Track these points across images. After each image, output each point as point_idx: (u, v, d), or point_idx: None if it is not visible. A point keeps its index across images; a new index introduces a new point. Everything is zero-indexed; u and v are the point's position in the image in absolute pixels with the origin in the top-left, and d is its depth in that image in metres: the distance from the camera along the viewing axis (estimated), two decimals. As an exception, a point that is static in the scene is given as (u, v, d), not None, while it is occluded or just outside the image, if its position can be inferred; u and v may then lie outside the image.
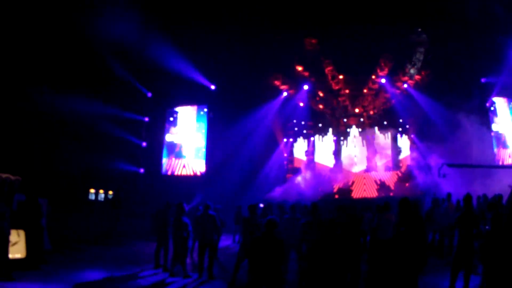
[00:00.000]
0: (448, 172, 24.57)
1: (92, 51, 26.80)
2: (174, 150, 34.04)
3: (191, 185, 31.01)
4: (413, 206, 10.38)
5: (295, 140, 33.93)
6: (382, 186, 32.05)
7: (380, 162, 33.30)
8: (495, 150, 30.95)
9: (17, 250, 13.47)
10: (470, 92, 29.72)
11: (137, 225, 25.64)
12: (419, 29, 30.51)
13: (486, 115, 31.07)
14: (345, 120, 33.61)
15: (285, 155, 33.75)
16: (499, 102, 32.06)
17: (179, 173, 33.53)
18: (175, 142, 34.18)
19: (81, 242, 21.19)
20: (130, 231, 24.85)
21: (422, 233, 9.93)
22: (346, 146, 33.50)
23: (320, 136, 33.81)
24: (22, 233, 13.56)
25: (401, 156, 33.43)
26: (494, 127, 31.50)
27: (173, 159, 33.99)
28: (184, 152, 33.82)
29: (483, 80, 31.12)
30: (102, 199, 30.12)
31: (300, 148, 33.89)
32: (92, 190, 30.29)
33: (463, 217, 11.81)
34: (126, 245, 22.01)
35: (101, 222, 24.38)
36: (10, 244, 12.49)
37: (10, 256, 12.61)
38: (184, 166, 33.55)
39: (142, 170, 33.69)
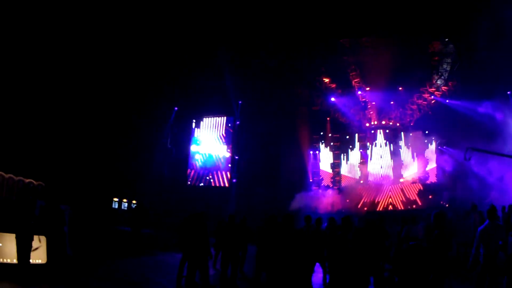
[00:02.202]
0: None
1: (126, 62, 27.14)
2: (200, 161, 34.05)
3: (216, 196, 31.16)
4: (440, 219, 10.25)
5: (320, 152, 33.80)
6: (408, 198, 31.55)
7: (407, 174, 32.91)
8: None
9: (38, 256, 13.39)
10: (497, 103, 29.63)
11: (161, 235, 25.46)
12: (446, 40, 30.24)
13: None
14: (372, 131, 33.37)
15: (311, 167, 33.51)
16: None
17: (205, 184, 33.52)
18: (201, 152, 34.23)
19: (103, 250, 21.14)
20: (153, 241, 24.42)
21: (445, 245, 9.83)
22: (371, 158, 33.30)
23: (346, 149, 33.70)
24: (43, 238, 13.43)
25: (428, 168, 33.07)
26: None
27: (199, 169, 34.06)
28: (209, 163, 33.83)
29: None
30: (126, 208, 30.18)
31: (326, 160, 33.71)
32: (116, 199, 30.34)
33: (487, 230, 11.26)
34: (149, 255, 21.79)
35: (124, 231, 24.33)
36: (32, 249, 12.41)
37: (31, 261, 12.56)
38: (209, 177, 33.54)
39: (167, 180, 33.63)
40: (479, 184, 28.03)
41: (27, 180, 12.68)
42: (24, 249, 11.91)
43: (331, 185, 32.71)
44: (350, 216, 12.38)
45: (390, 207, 31.46)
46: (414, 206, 30.68)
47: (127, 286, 14.10)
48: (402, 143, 33.35)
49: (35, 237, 12.73)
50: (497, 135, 27.00)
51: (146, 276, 15.66)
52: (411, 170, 32.93)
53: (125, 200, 30.51)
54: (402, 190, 32.01)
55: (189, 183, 33.96)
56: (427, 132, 32.97)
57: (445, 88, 32.21)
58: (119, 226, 25.23)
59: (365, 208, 30.80)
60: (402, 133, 33.44)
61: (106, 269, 16.72)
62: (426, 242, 10.35)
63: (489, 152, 24.93)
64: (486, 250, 11.17)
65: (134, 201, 29.84)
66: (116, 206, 30.27)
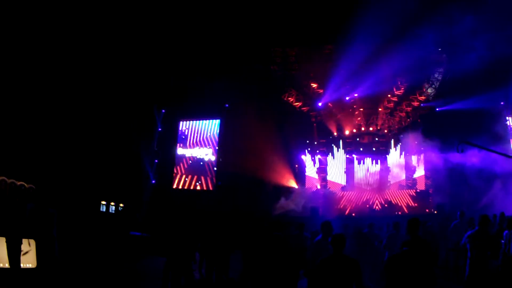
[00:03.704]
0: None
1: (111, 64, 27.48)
2: (186, 164, 34.40)
3: (202, 199, 31.70)
4: (420, 225, 10.55)
5: (306, 157, 34.10)
6: (393, 205, 32.06)
7: (394, 181, 33.52)
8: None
9: (28, 260, 13.47)
10: (490, 113, 30.17)
11: (147, 239, 25.61)
12: (439, 49, 30.93)
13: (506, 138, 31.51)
14: (358, 139, 34.02)
15: (297, 171, 33.85)
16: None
17: (190, 187, 33.81)
18: (187, 155, 34.56)
19: (90, 253, 21.45)
20: (139, 245, 24.77)
21: (428, 252, 10.04)
22: (359, 164, 33.73)
23: (333, 154, 34.01)
24: (32, 242, 13.61)
25: (416, 175, 33.70)
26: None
27: (185, 173, 34.36)
28: (195, 166, 34.12)
29: (502, 103, 31.56)
30: (113, 211, 30.29)
31: (312, 165, 34.10)
32: (104, 202, 30.24)
33: (476, 237, 11.47)
34: (135, 259, 22.16)
35: (111, 234, 24.57)
36: (21, 253, 12.67)
37: (22, 265, 12.79)
38: (195, 180, 33.81)
39: (153, 183, 34.04)
40: (469, 190, 28.58)
41: (19, 183, 13.00)
42: (14, 253, 12.18)
43: (317, 190, 33.11)
44: (330, 221, 12.68)
45: (376, 212, 31.43)
46: (399, 213, 31.18)
47: None
48: (390, 149, 33.87)
49: (25, 241, 13.00)
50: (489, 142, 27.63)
51: (132, 281, 16.13)
52: (399, 177, 33.50)
53: (112, 203, 30.35)
54: (389, 196, 32.49)
55: (174, 186, 34.23)
56: (415, 139, 33.42)
57: (436, 96, 32.96)
58: (106, 230, 25.35)
59: (353, 214, 31.19)
60: (390, 140, 33.90)
61: (91, 273, 17.20)
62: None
63: (482, 147, 25.46)
64: (473, 258, 11.39)
65: (121, 204, 29.92)
66: (104, 209, 30.12)
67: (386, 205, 31.83)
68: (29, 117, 23.44)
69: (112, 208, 30.18)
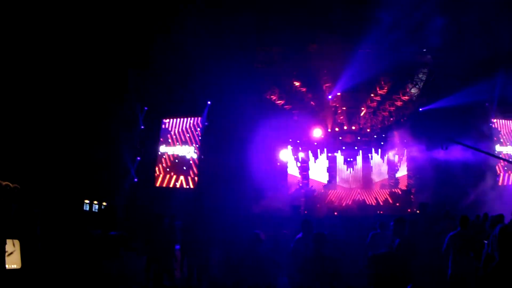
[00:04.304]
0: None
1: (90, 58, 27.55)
2: (168, 162, 34.48)
3: (183, 197, 31.56)
4: (406, 224, 10.84)
5: (288, 155, 34.43)
6: (375, 204, 32.76)
7: (376, 180, 34.12)
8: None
9: (12, 261, 13.36)
10: (474, 115, 30.98)
11: (129, 237, 25.04)
12: (424, 50, 31.38)
13: (490, 137, 32.44)
14: (340, 138, 34.44)
15: (279, 169, 34.14)
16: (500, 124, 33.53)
17: (172, 185, 33.92)
18: (169, 153, 34.61)
19: (72, 253, 21.70)
20: (121, 244, 24.08)
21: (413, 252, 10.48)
22: (342, 162, 34.27)
23: (315, 152, 34.48)
24: (17, 242, 13.47)
25: (399, 175, 34.25)
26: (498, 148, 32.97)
27: (167, 170, 34.44)
28: (177, 164, 34.25)
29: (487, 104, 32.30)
30: (96, 210, 30.19)
31: (294, 163, 34.49)
32: (87, 201, 30.05)
33: (457, 238, 11.77)
34: (116, 257, 22.31)
35: (93, 233, 24.72)
36: (6, 254, 12.78)
37: (6, 266, 12.78)
38: (177, 178, 33.96)
39: (136, 181, 34.04)
40: (453, 190, 29.07)
41: (4, 183, 13.21)
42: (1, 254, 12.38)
43: (298, 188, 33.50)
44: (310, 220, 12.92)
45: (359, 211, 31.51)
46: (381, 212, 31.65)
47: None
48: (373, 148, 34.56)
49: (9, 241, 13.19)
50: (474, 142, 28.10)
51: (113, 279, 16.51)
52: (381, 176, 34.09)
53: (95, 202, 30.28)
54: (371, 195, 33.22)
55: (157, 184, 34.28)
56: (397, 138, 34.03)
57: (419, 96, 33.54)
58: (90, 229, 25.44)
59: (335, 213, 31.32)
60: (372, 139, 34.60)
61: (74, 272, 17.54)
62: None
63: (467, 146, 25.94)
64: (455, 260, 11.71)
65: (104, 203, 30.04)
66: (88, 208, 29.96)
67: (367, 204, 32.36)
68: (11, 116, 23.56)
69: (96, 207, 30.48)
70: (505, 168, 33.06)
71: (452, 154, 27.91)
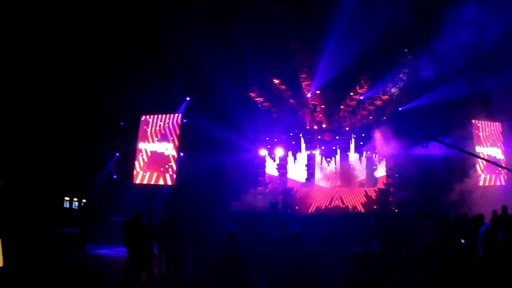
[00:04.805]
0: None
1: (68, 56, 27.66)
2: (147, 159, 34.63)
3: (162, 194, 31.80)
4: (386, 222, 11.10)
5: (268, 153, 34.51)
6: (353, 203, 32.83)
7: (354, 178, 34.18)
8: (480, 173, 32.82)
9: None
10: (454, 115, 31.54)
11: (108, 235, 25.81)
12: (406, 50, 31.77)
13: (470, 138, 33.02)
14: (319, 137, 34.61)
15: (257, 168, 34.34)
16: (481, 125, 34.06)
17: (151, 182, 34.03)
18: (148, 150, 34.69)
19: (51, 251, 21.90)
20: (100, 241, 25.24)
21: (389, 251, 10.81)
22: (320, 161, 34.33)
23: (293, 151, 34.58)
24: None
25: (378, 174, 34.53)
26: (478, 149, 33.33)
27: (146, 167, 34.55)
28: (156, 161, 34.32)
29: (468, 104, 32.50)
30: (76, 207, 30.51)
31: (272, 162, 34.56)
32: (67, 198, 30.51)
33: (438, 237, 11.62)
34: (96, 255, 22.73)
35: (73, 229, 24.97)
36: None
37: None
38: (155, 175, 34.04)
39: (115, 178, 34.40)
40: (431, 188, 29.53)
41: None
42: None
43: (276, 187, 33.67)
44: (286, 217, 13.00)
45: (337, 210, 32.15)
46: (361, 211, 32.09)
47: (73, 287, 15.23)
48: (351, 147, 34.61)
49: None
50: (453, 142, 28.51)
51: (92, 277, 16.78)
52: (360, 174, 34.38)
53: (75, 199, 30.70)
54: (348, 193, 33.27)
55: (135, 181, 34.45)
56: (376, 137, 34.15)
57: (399, 96, 33.86)
58: (68, 226, 25.52)
59: (313, 211, 31.82)
60: (350, 137, 34.70)
61: (53, 270, 17.81)
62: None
63: (447, 145, 26.36)
64: (437, 258, 11.43)
65: (84, 200, 30.19)
66: (68, 205, 30.44)
67: (345, 203, 32.60)
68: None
69: (75, 204, 30.69)
70: (484, 170, 33.64)
71: (432, 153, 28.38)
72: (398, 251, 11.35)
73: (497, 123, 35.24)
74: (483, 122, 34.67)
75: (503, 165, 32.11)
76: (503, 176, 33.89)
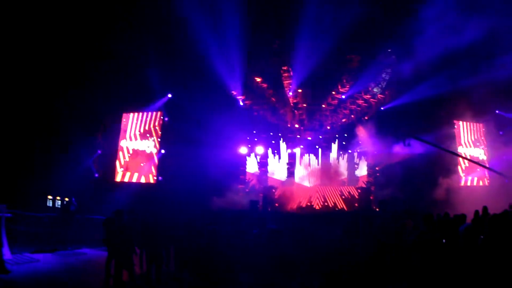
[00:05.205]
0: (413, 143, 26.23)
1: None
2: (128, 157, 34.54)
3: (144, 193, 31.72)
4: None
5: (249, 151, 34.58)
6: (334, 201, 33.17)
7: (336, 177, 34.43)
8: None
9: None
10: (436, 116, 32.02)
11: (89, 233, 25.90)
12: (389, 50, 32.05)
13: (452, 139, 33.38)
14: (298, 136, 34.81)
15: (239, 166, 34.35)
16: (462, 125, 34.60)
17: (132, 180, 33.95)
18: (130, 147, 34.60)
19: (37, 249, 21.96)
20: (83, 239, 25.38)
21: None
22: (301, 159, 34.59)
23: (274, 149, 34.77)
24: None
25: (359, 173, 34.79)
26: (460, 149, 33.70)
27: (127, 165, 34.46)
28: (137, 159, 34.25)
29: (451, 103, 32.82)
30: (59, 206, 30.19)
31: (253, 160, 34.65)
32: (50, 197, 30.37)
33: (421, 237, 11.53)
34: (77, 254, 22.85)
35: (55, 229, 25.09)
36: None
37: None
38: (137, 173, 34.01)
39: (97, 176, 34.22)
40: (412, 188, 29.84)
41: None
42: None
43: (257, 186, 33.75)
44: (266, 215, 13.15)
45: (318, 208, 32.85)
46: (340, 208, 32.56)
47: (55, 286, 15.39)
48: (333, 146, 34.92)
49: None
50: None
51: (74, 276, 16.94)
52: (341, 173, 34.67)
53: (58, 198, 30.44)
54: (329, 192, 33.62)
55: (117, 179, 34.34)
56: (358, 136, 34.43)
57: (382, 96, 34.09)
58: (51, 224, 25.71)
59: (292, 209, 32.14)
60: (332, 136, 35.05)
61: (34, 268, 17.96)
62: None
63: (427, 142, 26.67)
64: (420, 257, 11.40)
65: (66, 198, 30.01)
66: (51, 204, 30.21)
67: (326, 202, 32.97)
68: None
69: (58, 203, 30.38)
70: (466, 171, 34.03)
71: (413, 153, 28.75)
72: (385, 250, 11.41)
73: (479, 124, 35.63)
74: (465, 122, 35.07)
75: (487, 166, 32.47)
76: (487, 179, 34.26)
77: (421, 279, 10.53)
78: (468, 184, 33.90)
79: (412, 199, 29.58)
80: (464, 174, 33.94)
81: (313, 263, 14.52)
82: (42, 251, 22.11)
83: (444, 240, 12.21)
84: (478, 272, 8.51)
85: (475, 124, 35.56)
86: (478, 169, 33.28)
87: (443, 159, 31.47)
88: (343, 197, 33.57)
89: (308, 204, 32.73)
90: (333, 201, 33.19)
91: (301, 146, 34.68)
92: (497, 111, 33.89)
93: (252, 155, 34.72)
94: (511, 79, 28.58)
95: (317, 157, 34.65)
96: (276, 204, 31.97)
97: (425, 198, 29.56)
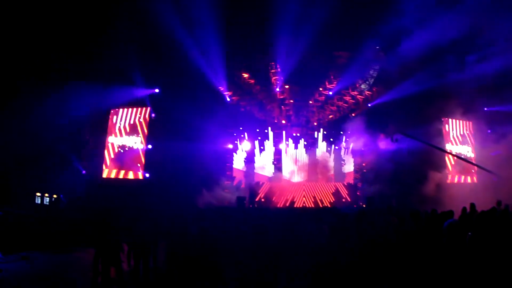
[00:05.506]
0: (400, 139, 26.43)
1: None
2: (115, 153, 34.53)
3: (131, 190, 31.70)
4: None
5: (235, 148, 34.77)
6: (320, 198, 33.29)
7: (321, 174, 34.74)
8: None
9: None
10: (425, 113, 32.00)
11: (78, 231, 24.72)
12: (377, 47, 32.12)
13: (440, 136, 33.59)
14: (284, 131, 35.12)
15: (226, 162, 34.54)
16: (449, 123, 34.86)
17: (119, 177, 33.98)
18: (116, 144, 34.59)
19: (25, 247, 22.04)
20: (70, 237, 24.67)
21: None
22: (287, 156, 34.87)
23: (261, 145, 35.07)
24: None
25: (346, 170, 35.18)
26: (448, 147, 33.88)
27: (114, 162, 34.43)
28: (125, 155, 34.22)
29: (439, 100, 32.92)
30: (47, 203, 30.48)
31: (240, 156, 34.86)
32: (38, 194, 30.41)
33: (409, 234, 12.05)
34: (65, 252, 22.75)
35: (43, 226, 24.86)
36: None
37: None
38: (124, 170, 34.03)
39: (84, 173, 33.89)
40: (399, 184, 30.05)
41: None
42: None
43: (243, 182, 33.96)
44: (252, 212, 13.24)
45: (304, 204, 32.90)
46: (326, 205, 32.37)
47: (43, 284, 15.52)
48: (319, 142, 35.28)
49: None
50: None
51: (61, 273, 17.06)
52: (328, 169, 35.04)
53: (46, 195, 30.61)
54: (316, 188, 33.75)
55: (104, 176, 34.23)
56: (344, 132, 34.97)
57: (369, 93, 34.32)
58: (39, 221, 25.52)
59: (279, 206, 32.04)
60: (320, 132, 35.43)
61: (22, 267, 18.07)
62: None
63: (416, 139, 26.87)
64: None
65: (54, 195, 30.34)
66: (39, 201, 30.32)
67: (312, 198, 33.11)
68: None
69: (47, 200, 30.63)
70: (454, 168, 34.27)
71: (401, 149, 28.97)
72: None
73: (467, 122, 35.82)
74: (453, 120, 35.32)
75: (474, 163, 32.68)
76: (475, 177, 34.50)
77: (404, 278, 10.73)
78: (455, 181, 34.10)
79: (399, 195, 29.81)
80: (452, 171, 34.17)
81: (299, 259, 14.84)
82: (31, 249, 22.16)
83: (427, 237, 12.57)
84: (464, 269, 8.64)
85: (462, 122, 35.75)
86: (462, 165, 33.49)
87: (431, 155, 31.66)
88: (330, 193, 33.67)
89: (295, 200, 32.52)
90: (320, 197, 33.31)
91: (288, 142, 34.87)
92: (485, 109, 34.01)
93: (239, 151, 34.93)
94: (499, 76, 28.71)
95: (304, 153, 34.97)
96: (263, 200, 32.22)
97: (413, 194, 29.62)
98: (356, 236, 10.28)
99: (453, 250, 8.94)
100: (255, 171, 34.55)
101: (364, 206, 31.47)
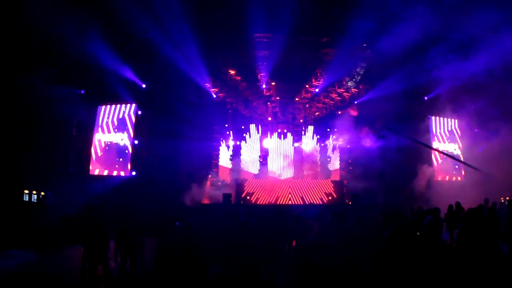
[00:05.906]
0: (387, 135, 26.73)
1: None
2: (102, 150, 34.58)
3: (118, 186, 31.85)
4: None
5: (221, 145, 34.99)
6: (307, 195, 33.31)
7: (308, 171, 35.14)
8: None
9: None
10: (411, 110, 32.39)
11: (65, 228, 25.75)
12: (364, 45, 32.23)
13: (427, 133, 34.09)
14: (270, 128, 35.42)
15: (211, 159, 34.76)
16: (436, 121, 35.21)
17: (106, 174, 34.02)
18: (104, 140, 34.68)
19: (12, 245, 22.24)
20: (57, 235, 25.14)
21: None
22: (273, 153, 35.12)
23: (247, 142, 35.20)
24: None
25: (332, 167, 35.43)
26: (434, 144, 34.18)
27: (101, 158, 34.49)
28: (112, 152, 34.38)
29: (426, 97, 33.93)
30: (35, 200, 30.22)
31: (226, 154, 34.98)
32: (26, 191, 30.02)
33: (398, 231, 12.48)
34: (53, 249, 22.93)
35: (30, 224, 25.04)
36: None
37: None
38: (111, 167, 34.14)
39: (71, 170, 33.86)
40: (385, 180, 30.37)
41: None
42: None
43: (228, 179, 34.15)
44: (237, 208, 13.45)
45: (290, 201, 32.99)
46: (312, 202, 32.74)
47: (31, 281, 15.78)
48: (306, 139, 35.53)
49: None
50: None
51: (49, 271, 17.32)
52: (314, 166, 35.45)
53: (34, 192, 30.31)
54: (302, 186, 33.73)
55: (91, 173, 34.25)
56: (331, 129, 35.35)
57: (355, 90, 34.62)
58: (27, 219, 25.78)
59: (264, 203, 32.43)
60: (307, 129, 35.64)
61: (9, 264, 18.31)
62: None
63: (402, 136, 27.17)
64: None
65: (42, 193, 30.29)
66: (27, 199, 29.94)
67: (298, 195, 33.12)
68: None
69: (34, 197, 30.29)
70: (440, 166, 34.64)
71: (387, 146, 29.26)
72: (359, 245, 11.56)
73: (454, 120, 36.26)
74: (440, 118, 35.75)
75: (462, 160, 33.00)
76: (460, 176, 34.89)
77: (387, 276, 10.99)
78: (439, 178, 34.47)
79: (386, 192, 29.99)
80: (438, 168, 34.58)
81: (283, 256, 15.11)
82: (18, 247, 22.35)
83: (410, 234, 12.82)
84: (448, 267, 8.84)
85: (449, 119, 36.21)
86: (450, 163, 33.85)
87: (418, 153, 32.03)
88: (316, 190, 33.69)
89: (280, 197, 32.95)
90: (306, 194, 33.37)
91: (274, 139, 35.08)
92: (473, 106, 34.31)
93: (225, 148, 35.06)
94: (485, 74, 28.94)
95: (290, 150, 35.13)
96: (248, 197, 32.23)
97: (400, 191, 30.01)
98: (336, 234, 10.39)
99: (428, 247, 9.16)
100: (241, 168, 34.71)
101: (350, 203, 31.67)
